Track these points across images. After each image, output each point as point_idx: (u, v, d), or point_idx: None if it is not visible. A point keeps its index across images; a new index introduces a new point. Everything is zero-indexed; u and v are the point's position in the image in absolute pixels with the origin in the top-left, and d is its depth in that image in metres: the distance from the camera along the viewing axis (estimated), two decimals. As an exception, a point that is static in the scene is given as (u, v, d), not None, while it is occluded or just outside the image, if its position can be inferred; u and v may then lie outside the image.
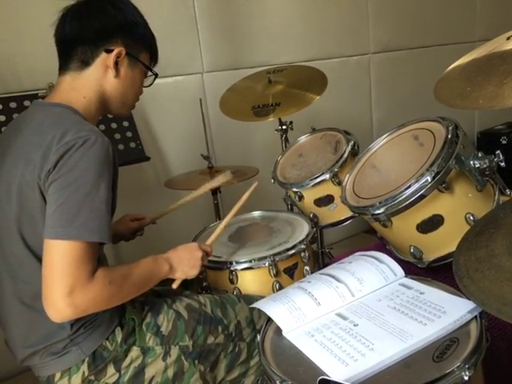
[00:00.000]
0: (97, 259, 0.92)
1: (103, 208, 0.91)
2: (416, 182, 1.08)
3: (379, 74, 2.96)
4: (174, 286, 1.12)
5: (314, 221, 1.56)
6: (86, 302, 0.88)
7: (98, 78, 1.05)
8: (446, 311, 0.85)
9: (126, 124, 1.82)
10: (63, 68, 1.05)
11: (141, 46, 1.09)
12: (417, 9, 3.03)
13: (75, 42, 1.03)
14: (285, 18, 2.55)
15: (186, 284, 1.23)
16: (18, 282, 0.98)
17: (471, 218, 1.10)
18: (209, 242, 1.23)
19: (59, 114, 0.99)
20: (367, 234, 2.62)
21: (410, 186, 1.09)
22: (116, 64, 1.04)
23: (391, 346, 0.79)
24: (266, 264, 1.27)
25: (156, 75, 1.16)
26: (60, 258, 0.86)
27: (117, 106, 1.11)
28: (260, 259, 1.29)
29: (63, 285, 0.85)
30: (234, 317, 1.15)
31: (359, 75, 2.90)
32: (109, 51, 1.03)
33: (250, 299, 1.19)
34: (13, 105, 1.67)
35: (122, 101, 1.11)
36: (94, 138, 0.92)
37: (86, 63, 1.03)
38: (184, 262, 1.10)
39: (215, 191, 1.90)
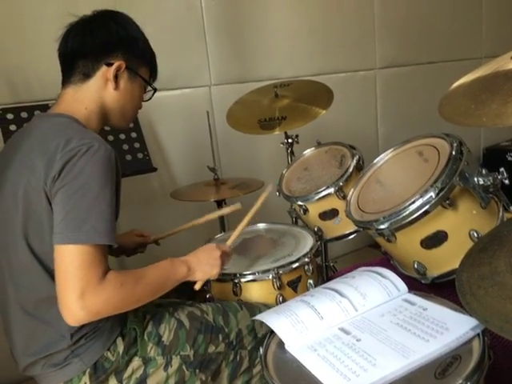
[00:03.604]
0: (107, 262, 0.93)
1: (109, 211, 0.93)
2: (420, 197, 1.09)
3: (385, 89, 2.98)
4: (197, 286, 1.13)
5: (318, 234, 1.57)
6: (99, 305, 0.89)
7: (99, 90, 1.08)
8: (449, 328, 0.84)
9: (134, 135, 1.84)
10: (66, 81, 1.09)
11: (140, 61, 1.13)
12: (423, 25, 3.06)
13: (77, 56, 1.06)
14: (292, 32, 2.59)
15: (189, 295, 1.24)
16: (21, 289, 0.99)
17: (475, 234, 1.11)
18: (228, 243, 1.26)
19: (62, 123, 1.02)
20: (371, 249, 2.61)
21: (414, 202, 1.09)
22: (116, 77, 1.08)
23: (393, 361, 0.79)
24: (270, 277, 1.28)
25: (155, 90, 1.19)
26: (70, 262, 0.88)
27: (116, 118, 1.14)
28: (264, 272, 1.29)
29: (75, 288, 0.87)
30: (235, 325, 1.15)
31: (365, 90, 2.92)
32: (109, 64, 1.06)
33: (252, 307, 1.19)
34: (24, 115, 1.69)
35: (121, 113, 1.14)
36: (98, 145, 0.94)
37: (87, 76, 1.07)
38: (203, 262, 1.11)
39: (220, 203, 1.91)
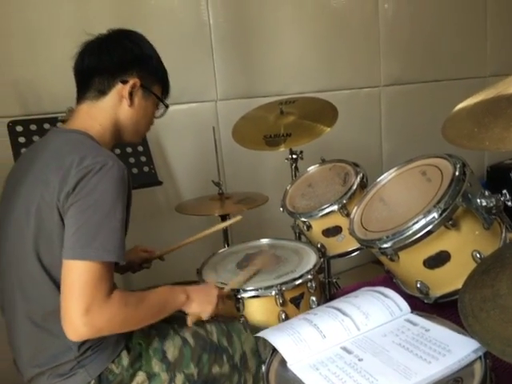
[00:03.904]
0: (113, 279, 0.95)
1: (119, 229, 0.95)
2: (423, 217, 1.10)
3: (390, 106, 3.01)
4: (189, 323, 1.13)
5: (321, 251, 1.57)
6: (102, 322, 0.91)
7: (113, 107, 1.10)
8: (451, 350, 0.85)
9: (140, 149, 1.87)
10: (81, 97, 1.11)
11: (154, 79, 1.15)
12: (428, 43, 3.10)
13: (93, 73, 1.09)
14: (298, 49, 2.63)
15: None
16: (30, 301, 1.00)
17: (478, 255, 1.11)
18: (227, 288, 1.26)
19: (77, 139, 1.04)
20: (375, 265, 2.59)
21: (417, 222, 1.10)
22: (130, 94, 1.10)
23: (395, 382, 0.79)
24: (273, 293, 1.28)
25: (167, 107, 1.21)
26: (77, 277, 0.90)
27: (129, 134, 1.17)
28: (267, 288, 1.29)
29: (80, 304, 0.88)
30: (239, 347, 1.16)
31: (369, 107, 2.95)
32: (124, 82, 1.09)
33: (257, 330, 1.19)
34: (33, 127, 1.72)
35: (134, 129, 1.16)
36: (111, 163, 0.96)
37: (102, 93, 1.09)
38: (201, 295, 1.12)
39: (225, 217, 1.92)
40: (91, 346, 0.99)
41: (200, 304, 1.12)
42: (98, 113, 1.09)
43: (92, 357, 1.00)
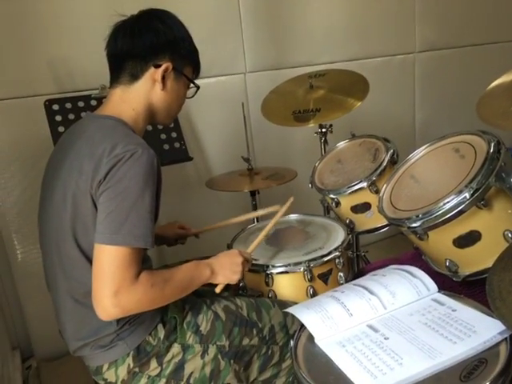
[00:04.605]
0: (141, 263, 0.99)
1: (147, 216, 0.98)
2: (455, 197, 1.08)
3: (424, 73, 2.89)
4: (217, 290, 1.18)
5: (350, 227, 1.58)
6: (131, 303, 0.96)
7: (146, 91, 1.12)
8: (477, 331, 0.86)
9: (171, 125, 1.89)
10: (114, 81, 1.13)
11: (186, 61, 1.15)
12: (466, 4, 2.93)
13: (126, 57, 1.10)
14: (328, 16, 2.54)
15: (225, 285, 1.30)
16: (70, 280, 1.06)
17: (510, 235, 1.10)
18: (249, 250, 1.29)
19: (110, 126, 1.07)
20: (404, 236, 2.58)
21: (448, 202, 1.09)
22: (163, 78, 1.11)
23: (420, 362, 0.81)
24: (301, 269, 1.32)
25: (198, 88, 1.22)
26: (108, 261, 0.95)
27: (162, 117, 1.19)
28: (295, 264, 1.33)
29: (110, 286, 0.93)
30: (268, 321, 1.20)
31: (403, 75, 2.85)
32: (157, 66, 1.10)
33: (285, 305, 1.24)
34: (68, 105, 1.77)
35: (166, 111, 1.18)
36: (141, 151, 0.99)
37: (135, 77, 1.11)
38: (226, 268, 1.16)
39: (254, 192, 1.95)
40: (129, 321, 1.06)
41: (225, 276, 1.16)
42: (131, 97, 1.11)
43: (130, 330, 1.06)
